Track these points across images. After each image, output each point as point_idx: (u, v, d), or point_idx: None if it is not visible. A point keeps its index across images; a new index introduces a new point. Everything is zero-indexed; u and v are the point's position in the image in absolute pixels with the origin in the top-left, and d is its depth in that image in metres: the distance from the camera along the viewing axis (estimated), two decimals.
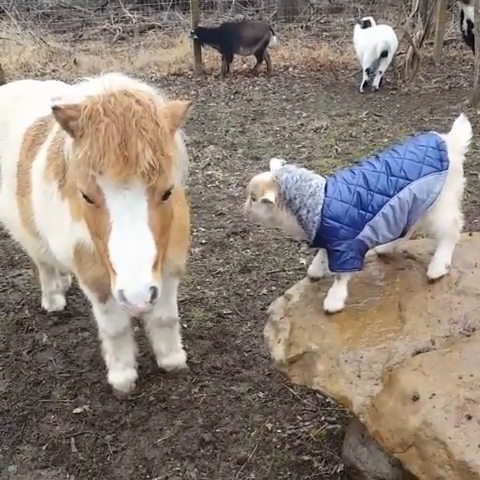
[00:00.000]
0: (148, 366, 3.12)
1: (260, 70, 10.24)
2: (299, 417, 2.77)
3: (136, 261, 1.91)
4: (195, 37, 9.92)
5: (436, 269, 2.25)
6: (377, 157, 2.24)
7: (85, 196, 1.96)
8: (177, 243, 2.39)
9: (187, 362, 3.10)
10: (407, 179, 2.13)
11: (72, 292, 3.86)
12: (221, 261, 4.19)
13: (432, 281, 2.24)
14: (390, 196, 2.13)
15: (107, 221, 1.92)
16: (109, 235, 1.92)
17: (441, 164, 2.16)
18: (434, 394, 1.84)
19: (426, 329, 2.09)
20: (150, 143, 1.86)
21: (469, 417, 1.77)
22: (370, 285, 2.29)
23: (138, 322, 3.11)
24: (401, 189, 2.12)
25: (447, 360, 1.93)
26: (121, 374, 2.91)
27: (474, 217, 4.56)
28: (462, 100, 7.84)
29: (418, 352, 2.02)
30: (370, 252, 2.35)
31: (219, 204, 5.14)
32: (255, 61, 10.32)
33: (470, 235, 2.54)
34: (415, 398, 1.85)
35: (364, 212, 2.13)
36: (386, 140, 6.44)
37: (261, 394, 2.91)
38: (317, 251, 2.37)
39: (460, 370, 1.88)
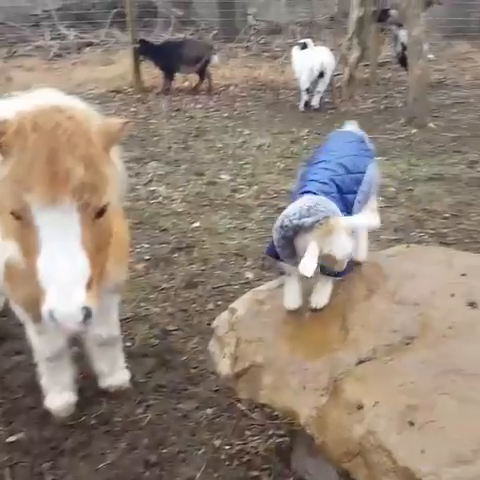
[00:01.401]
0: (89, 388, 3.01)
1: (201, 88, 10.31)
2: (248, 432, 2.75)
3: (67, 280, 1.85)
4: (137, 45, 9.95)
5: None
6: (324, 161, 2.31)
7: (13, 213, 1.90)
8: (116, 260, 2.35)
9: (131, 381, 3.02)
10: (361, 172, 2.29)
11: (4, 314, 3.71)
12: (165, 277, 4.15)
13: None
14: (356, 192, 2.25)
15: (36, 239, 1.86)
16: (38, 254, 1.86)
17: (371, 153, 2.43)
18: (377, 402, 1.87)
19: (368, 339, 2.13)
20: (82, 160, 1.82)
21: (411, 423, 1.80)
22: None
23: (76, 342, 3.02)
24: (360, 183, 2.27)
25: (388, 368, 1.98)
26: (59, 398, 2.80)
27: (411, 230, 4.72)
28: (397, 119, 8.13)
29: (361, 361, 2.06)
30: None
31: (163, 220, 5.10)
32: (197, 79, 10.38)
33: (407, 247, 2.62)
34: (359, 407, 1.87)
35: (348, 214, 2.21)
36: None
37: (209, 411, 2.88)
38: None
39: (401, 378, 1.92)
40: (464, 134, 7.48)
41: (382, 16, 9.43)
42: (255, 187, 5.81)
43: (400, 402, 1.85)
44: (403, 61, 9.34)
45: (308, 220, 2.04)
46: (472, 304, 2.12)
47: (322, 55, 8.73)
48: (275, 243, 2.19)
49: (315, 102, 8.91)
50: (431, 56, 9.96)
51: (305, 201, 2.11)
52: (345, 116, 8.52)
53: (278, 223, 2.14)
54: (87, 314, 1.87)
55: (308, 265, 1.98)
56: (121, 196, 2.15)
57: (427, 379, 1.91)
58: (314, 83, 8.71)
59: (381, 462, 1.77)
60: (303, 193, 2.19)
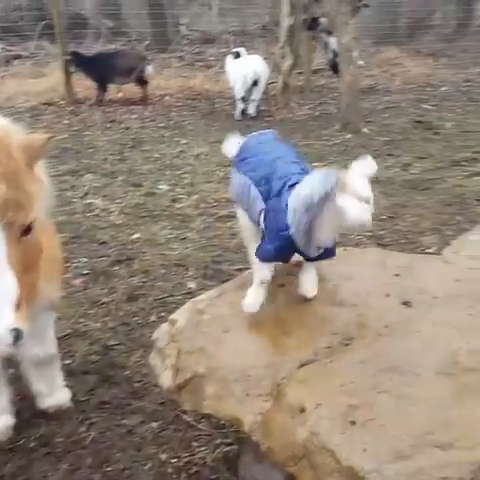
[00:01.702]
0: (27, 409, 2.90)
1: (136, 98, 10.23)
2: (195, 443, 2.73)
3: None
4: (68, 57, 9.78)
5: None
6: (279, 157, 2.31)
7: None
8: (49, 277, 2.28)
9: (72, 400, 2.93)
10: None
11: None
12: (105, 291, 4.07)
13: None
14: None
15: None
16: None
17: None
18: (319, 404, 1.89)
19: (309, 342, 2.15)
20: (3, 177, 1.76)
21: (353, 422, 1.83)
22: None
23: (12, 363, 2.90)
24: None
25: (329, 370, 2.00)
26: None
27: (349, 233, 4.81)
28: (332, 125, 8.30)
29: (303, 365, 2.08)
30: None
31: (101, 233, 5.00)
32: (131, 90, 10.30)
33: (344, 250, 2.67)
34: (302, 410, 1.89)
35: None
36: None
37: (154, 424, 2.84)
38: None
39: (341, 378, 1.95)
40: (396, 138, 7.72)
41: (312, 24, 9.63)
42: (195, 196, 5.80)
43: (341, 402, 1.88)
44: (335, 68, 9.57)
45: (328, 185, 1.96)
46: (406, 303, 2.18)
47: (255, 63, 8.85)
48: (298, 233, 2.10)
49: (251, 110, 9.00)
50: (361, 62, 10.26)
51: (306, 182, 2.08)
52: (281, 124, 8.65)
53: (301, 209, 2.04)
54: (17, 336, 1.80)
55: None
56: (50, 211, 2.10)
57: (366, 378, 1.95)
58: (249, 91, 8.80)
59: (325, 463, 1.79)
60: (292, 186, 2.16)
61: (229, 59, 9.20)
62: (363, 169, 2.03)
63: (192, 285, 4.08)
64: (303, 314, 2.27)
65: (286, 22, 9.23)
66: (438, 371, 1.90)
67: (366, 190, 1.98)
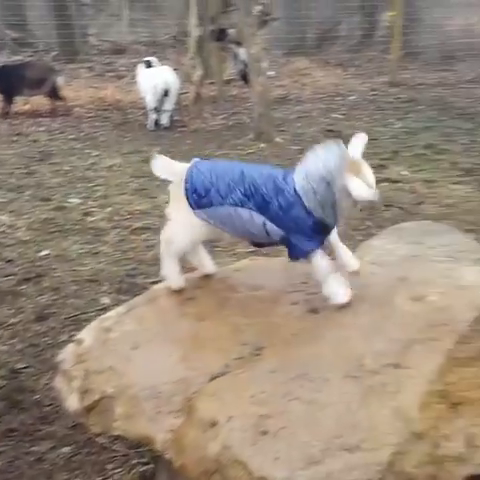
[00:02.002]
0: None
1: (44, 110, 9.91)
2: (109, 465, 2.64)
3: None
4: None
5: None
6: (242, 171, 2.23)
7: None
8: None
9: None
10: None
11: None
12: (12, 311, 3.89)
13: None
14: None
15: None
16: None
17: None
18: (231, 417, 1.87)
19: (220, 354, 2.14)
20: None
21: (265, 432, 1.83)
22: (161, 318, 2.29)
23: None
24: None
25: (240, 381, 2.00)
26: None
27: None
28: (246, 135, 8.38)
29: (214, 378, 2.06)
30: None
31: (7, 250, 4.78)
32: (38, 103, 9.97)
33: (251, 260, 2.70)
34: (213, 424, 1.87)
35: None
36: None
37: (65, 449, 2.73)
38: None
39: (252, 389, 1.95)
40: (309, 146, 7.89)
41: (220, 36, 9.72)
42: (108, 209, 5.68)
43: (253, 413, 1.88)
44: (245, 78, 9.69)
45: (344, 158, 2.05)
46: (313, 310, 2.21)
47: (165, 74, 8.84)
48: (325, 211, 2.10)
49: (164, 121, 8.95)
50: (272, 73, 10.45)
51: (319, 161, 2.12)
52: (195, 134, 8.66)
53: (321, 187, 2.07)
54: None
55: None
56: None
57: (277, 387, 1.96)
58: (160, 102, 8.76)
59: (238, 476, 1.77)
60: (284, 180, 2.15)
61: (140, 68, 9.12)
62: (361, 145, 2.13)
63: (106, 301, 3.98)
64: (214, 326, 2.25)
65: (194, 33, 9.28)
66: (345, 375, 1.93)
67: (372, 177, 2.11)
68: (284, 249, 2.22)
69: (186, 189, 2.22)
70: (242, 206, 2.15)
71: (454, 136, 7.96)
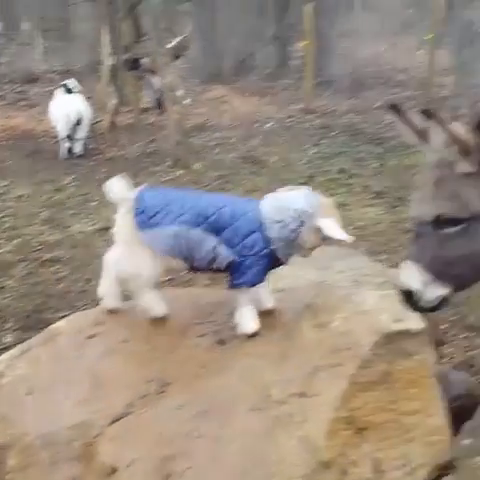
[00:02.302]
0: None
1: None
2: None
3: None
4: None
5: None
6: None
7: None
8: None
9: None
10: None
11: None
12: None
13: None
14: None
15: None
16: None
17: None
18: (133, 460, 1.78)
19: (123, 393, 2.03)
20: None
21: (169, 475, 1.74)
22: (59, 358, 2.15)
23: None
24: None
25: (143, 421, 1.90)
26: None
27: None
28: (164, 162, 8.32)
29: (116, 419, 1.95)
30: None
31: None
32: None
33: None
34: (113, 470, 1.76)
35: None
36: (94, 203, 6.45)
37: None
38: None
39: (156, 428, 1.87)
40: (227, 173, 7.93)
41: (133, 65, 9.68)
42: (16, 241, 5.41)
43: (156, 454, 1.79)
44: (161, 106, 9.67)
45: (317, 201, 2.17)
46: (220, 342, 2.15)
47: (77, 102, 8.70)
48: (286, 244, 2.12)
49: (78, 149, 8.77)
50: (188, 100, 10.49)
51: (295, 199, 2.17)
52: (112, 162, 8.49)
53: (294, 221, 2.10)
54: None
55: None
56: None
57: (182, 425, 1.88)
58: (73, 130, 8.59)
59: None
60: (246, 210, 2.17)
61: (59, 93, 8.93)
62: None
63: (9, 339, 3.73)
64: (117, 364, 2.14)
65: (107, 62, 9.19)
66: (251, 407, 1.89)
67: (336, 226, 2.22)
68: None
69: (135, 209, 2.16)
70: (195, 227, 2.11)
71: (365, 161, 8.23)
